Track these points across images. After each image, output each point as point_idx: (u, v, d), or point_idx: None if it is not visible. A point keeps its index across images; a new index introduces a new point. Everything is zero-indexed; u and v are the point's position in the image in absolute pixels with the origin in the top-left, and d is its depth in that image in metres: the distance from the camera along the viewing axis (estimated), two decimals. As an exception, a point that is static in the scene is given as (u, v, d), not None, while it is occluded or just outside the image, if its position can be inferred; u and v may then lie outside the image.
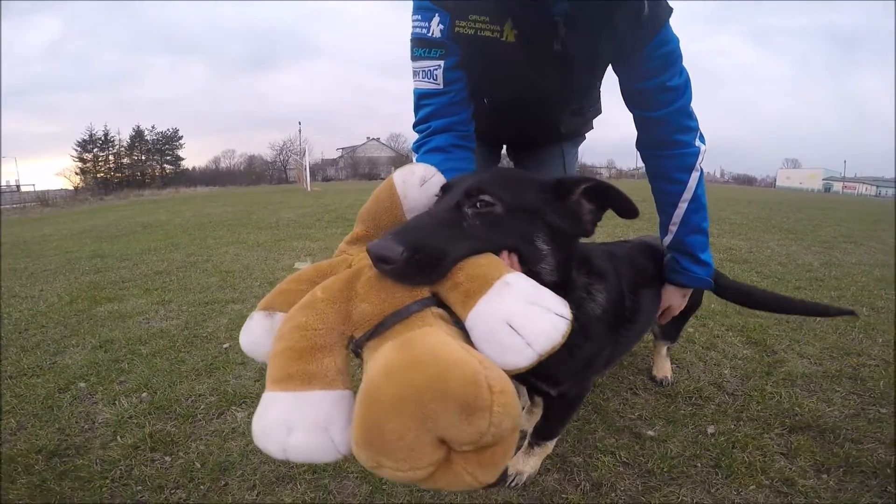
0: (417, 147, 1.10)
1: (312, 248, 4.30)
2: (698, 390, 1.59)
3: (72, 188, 37.50)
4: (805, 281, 3.14)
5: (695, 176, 1.11)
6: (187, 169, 48.57)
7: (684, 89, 1.06)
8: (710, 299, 2.61)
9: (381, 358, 0.53)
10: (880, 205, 17.55)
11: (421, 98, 1.09)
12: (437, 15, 1.00)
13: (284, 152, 51.00)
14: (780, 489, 1.15)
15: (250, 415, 1.49)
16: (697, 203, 1.13)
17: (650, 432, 1.36)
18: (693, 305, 1.41)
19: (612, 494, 1.13)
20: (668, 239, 1.20)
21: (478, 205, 0.71)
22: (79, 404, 1.59)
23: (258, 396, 1.52)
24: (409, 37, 1.06)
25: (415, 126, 1.12)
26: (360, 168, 53.22)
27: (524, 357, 0.56)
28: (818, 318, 2.34)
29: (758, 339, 2.04)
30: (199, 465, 1.26)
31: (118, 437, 1.39)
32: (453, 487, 0.52)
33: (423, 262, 0.62)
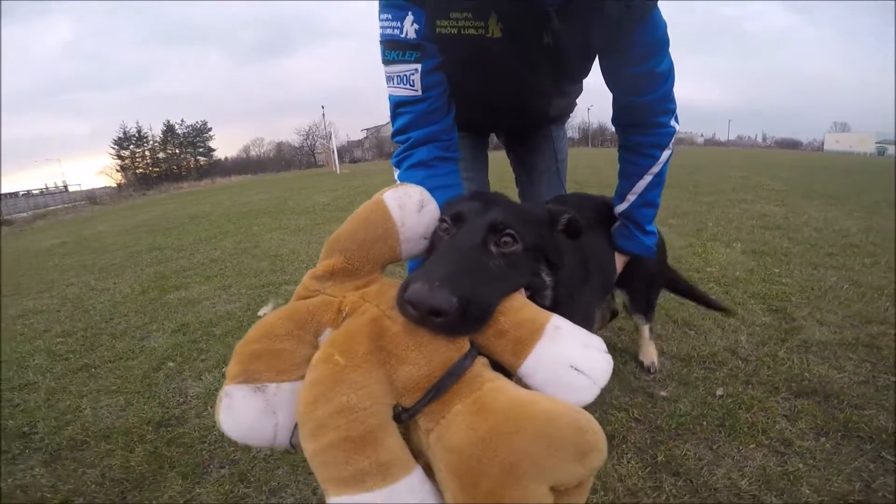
0: (398, 161, 1.04)
1: (349, 232, 4.54)
2: (713, 355, 1.71)
3: (115, 185, 39.57)
4: (839, 247, 3.12)
5: (666, 153, 1.16)
6: (220, 159, 50.32)
7: (668, 74, 1.05)
8: (735, 268, 2.69)
9: (461, 427, 0.52)
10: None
11: (398, 106, 1.02)
12: (409, 13, 0.92)
13: (311, 137, 51.87)
14: (777, 449, 1.25)
15: None
16: (660, 178, 1.18)
17: (662, 393, 1.51)
18: (655, 277, 1.49)
19: (623, 446, 1.29)
20: (621, 207, 1.23)
21: (502, 242, 0.69)
22: (171, 381, 1.87)
23: None
24: (379, 38, 0.97)
25: (393, 136, 1.06)
26: (386, 147, 53.31)
27: (591, 394, 0.58)
28: (846, 285, 2.38)
29: (779, 306, 2.12)
30: None
31: (208, 407, 1.65)
32: None
33: (475, 314, 0.58)
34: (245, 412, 0.58)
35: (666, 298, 2.23)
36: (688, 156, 17.29)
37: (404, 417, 0.56)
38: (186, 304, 2.76)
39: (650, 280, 1.45)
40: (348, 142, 57.02)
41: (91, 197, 23.69)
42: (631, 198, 1.21)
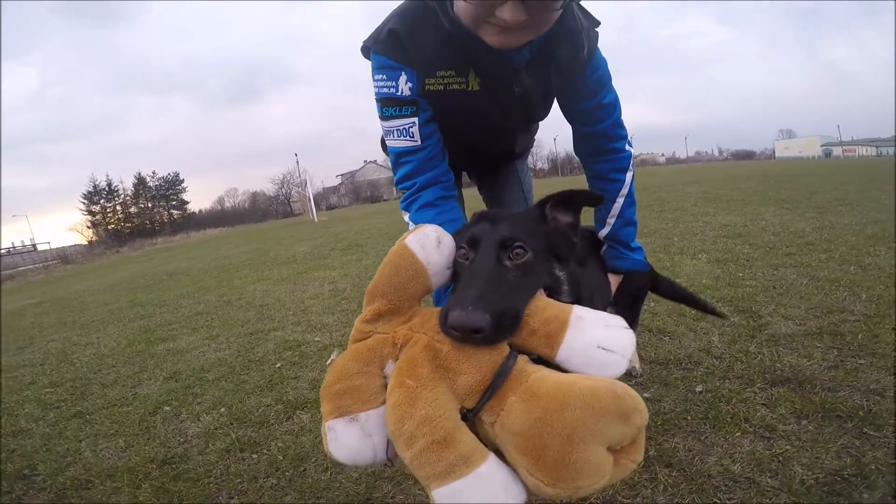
0: (407, 205, 1.15)
1: (333, 276, 4.59)
2: (689, 356, 1.82)
3: (86, 242, 38.50)
4: (796, 247, 3.33)
5: (629, 175, 1.29)
6: (194, 212, 49.77)
7: (614, 104, 1.21)
8: (702, 277, 2.85)
9: (518, 413, 0.63)
10: (879, 164, 17.56)
11: (400, 157, 1.12)
12: (403, 73, 1.03)
13: (286, 185, 52.08)
14: (763, 434, 1.32)
15: (313, 416, 1.77)
16: (630, 199, 1.30)
17: (646, 394, 1.59)
18: (641, 290, 1.59)
19: None
20: (605, 231, 1.34)
21: (514, 255, 0.79)
22: (169, 423, 1.88)
23: (316, 401, 1.85)
24: (375, 96, 1.09)
25: (397, 184, 1.16)
26: (362, 192, 53.93)
27: (621, 367, 0.68)
28: (806, 281, 2.56)
29: (745, 307, 2.27)
30: (281, 458, 1.52)
31: (210, 445, 1.67)
32: (620, 477, 0.64)
33: (507, 323, 0.70)
34: (348, 440, 0.71)
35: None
36: (651, 176, 18.06)
37: (470, 416, 0.67)
38: (175, 353, 2.76)
39: (635, 293, 1.57)
40: (324, 188, 57.52)
41: (62, 255, 22.92)
42: (611, 221, 1.32)
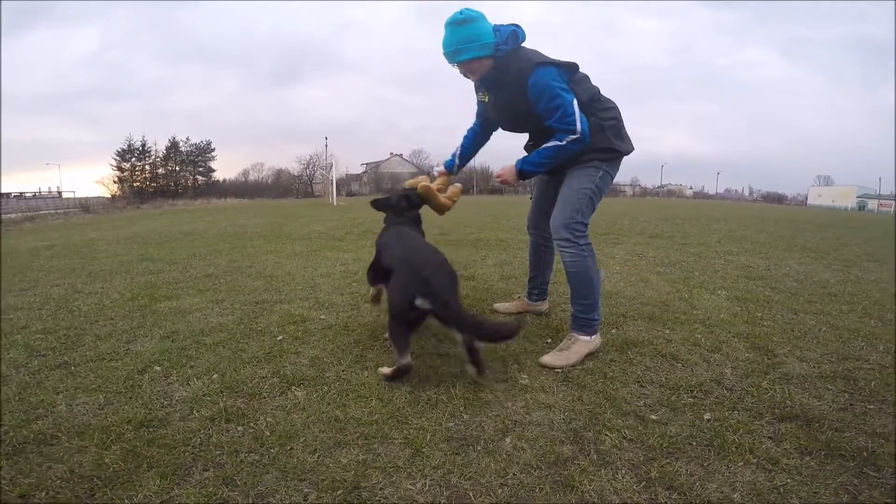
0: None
1: (346, 258, 4.59)
2: (699, 385, 1.76)
3: (109, 196, 39.26)
4: (818, 296, 3.23)
5: (553, 143, 1.94)
6: (218, 180, 50.33)
7: (555, 110, 1.88)
8: (720, 312, 2.77)
9: None
10: (915, 224, 17.04)
11: (477, 115, 2.39)
12: (479, 91, 2.19)
13: (311, 166, 52.38)
14: (765, 466, 1.31)
15: (309, 394, 1.74)
16: (556, 151, 1.96)
17: (653, 416, 1.54)
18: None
19: (618, 462, 1.32)
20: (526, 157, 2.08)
21: None
22: (157, 384, 1.84)
23: (315, 379, 1.82)
24: (477, 98, 2.25)
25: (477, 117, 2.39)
26: (384, 183, 54.15)
27: None
28: (825, 328, 2.47)
29: (761, 345, 2.20)
30: (268, 434, 1.48)
31: (195, 412, 1.62)
32: None
33: None
34: None
35: (653, 335, 2.30)
36: (676, 207, 17.81)
37: None
38: (177, 313, 2.75)
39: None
40: (347, 175, 57.80)
41: (84, 205, 23.29)
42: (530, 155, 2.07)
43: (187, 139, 49.31)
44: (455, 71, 2.01)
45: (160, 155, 47.66)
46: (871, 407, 1.64)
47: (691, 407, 1.61)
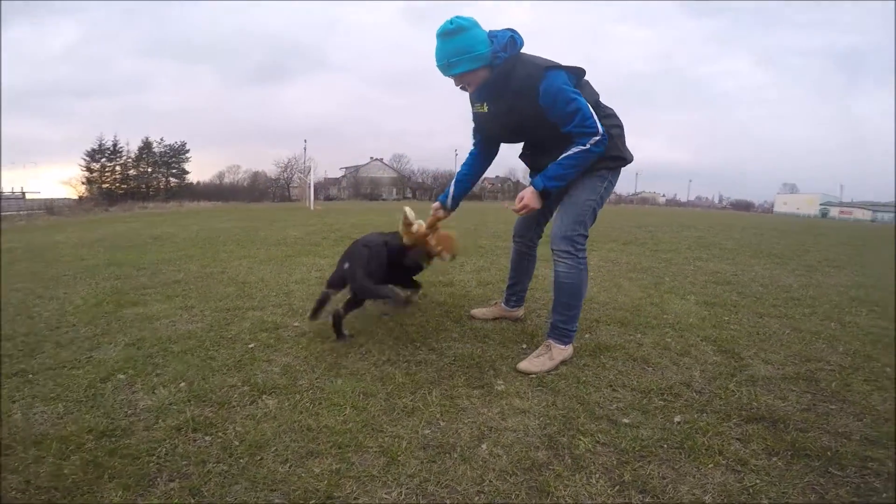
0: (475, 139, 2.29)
1: (322, 264, 4.52)
2: (670, 388, 1.80)
3: (76, 197, 37.62)
4: (782, 300, 3.36)
5: (575, 149, 1.84)
6: (191, 183, 48.93)
7: (572, 116, 1.81)
8: (689, 316, 2.84)
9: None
10: (872, 230, 18.01)
11: (475, 132, 2.25)
12: (476, 103, 2.08)
13: (289, 170, 51.56)
14: (734, 468, 1.34)
15: (281, 402, 1.69)
16: (564, 160, 1.87)
17: (626, 420, 1.57)
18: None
19: (592, 467, 1.33)
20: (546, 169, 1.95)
21: None
22: (120, 393, 1.76)
23: (286, 388, 1.78)
24: (472, 109, 2.13)
25: (474, 135, 2.27)
26: (363, 188, 53.73)
27: None
28: (788, 331, 2.57)
29: (728, 348, 2.27)
30: (237, 444, 1.44)
31: (160, 421, 1.56)
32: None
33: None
34: None
35: (625, 339, 2.34)
36: (650, 215, 18.25)
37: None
38: (143, 319, 2.65)
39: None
40: (325, 179, 57.06)
41: (49, 207, 22.24)
42: (552, 164, 1.92)
43: (161, 140, 47.70)
44: (443, 74, 1.90)
45: (132, 156, 46.00)
46: (833, 407, 1.71)
47: (662, 410, 1.65)
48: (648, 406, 1.67)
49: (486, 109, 2.01)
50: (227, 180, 53.37)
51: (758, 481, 1.29)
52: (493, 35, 1.86)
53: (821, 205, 47.23)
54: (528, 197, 1.95)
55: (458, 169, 2.33)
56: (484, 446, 1.44)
